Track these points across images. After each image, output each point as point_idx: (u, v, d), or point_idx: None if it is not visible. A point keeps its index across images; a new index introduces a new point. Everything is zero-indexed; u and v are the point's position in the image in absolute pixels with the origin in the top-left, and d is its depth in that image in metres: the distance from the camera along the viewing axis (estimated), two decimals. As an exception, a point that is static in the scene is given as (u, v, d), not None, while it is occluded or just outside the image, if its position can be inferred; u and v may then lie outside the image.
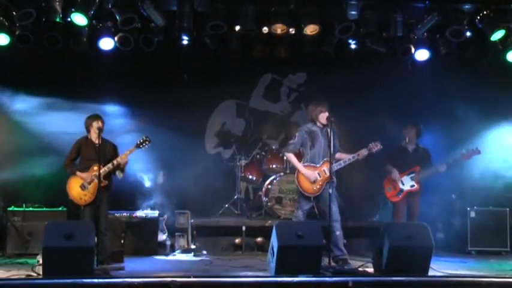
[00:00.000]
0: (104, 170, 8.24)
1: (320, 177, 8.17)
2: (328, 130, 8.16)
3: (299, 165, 8.25)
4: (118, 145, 8.65)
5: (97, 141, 8.33)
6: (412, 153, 9.57)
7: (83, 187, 8.36)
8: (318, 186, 8.16)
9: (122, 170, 8.51)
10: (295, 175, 8.32)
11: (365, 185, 10.52)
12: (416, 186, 9.34)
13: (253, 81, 11.46)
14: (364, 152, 8.27)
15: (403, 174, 9.38)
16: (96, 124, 8.37)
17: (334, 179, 8.13)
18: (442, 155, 9.78)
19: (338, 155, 8.35)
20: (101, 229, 8.22)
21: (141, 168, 10.00)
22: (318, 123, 8.31)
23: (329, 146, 8.13)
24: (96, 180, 8.19)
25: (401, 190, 9.33)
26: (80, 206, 8.43)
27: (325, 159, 8.22)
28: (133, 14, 8.98)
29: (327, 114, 8.20)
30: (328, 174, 8.12)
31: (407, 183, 9.35)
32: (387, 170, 9.51)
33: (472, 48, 9.91)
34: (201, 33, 9.66)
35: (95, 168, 8.22)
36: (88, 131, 8.51)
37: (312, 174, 8.14)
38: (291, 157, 8.38)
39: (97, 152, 8.26)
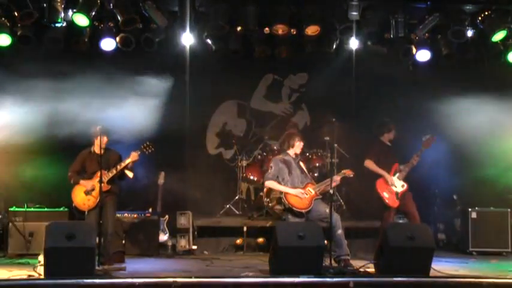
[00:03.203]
0: (107, 175, 8.34)
1: (307, 195, 8.39)
2: (300, 162, 8.70)
3: (283, 187, 8.43)
4: (117, 144, 8.71)
5: (100, 152, 8.36)
6: (392, 149, 9.26)
7: (86, 192, 8.46)
8: (308, 202, 8.36)
9: (131, 169, 8.59)
10: (283, 197, 8.40)
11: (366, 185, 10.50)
12: (406, 186, 9.02)
13: (255, 82, 11.46)
14: (337, 178, 8.48)
15: (391, 176, 9.05)
16: (98, 140, 8.35)
17: (330, 191, 8.23)
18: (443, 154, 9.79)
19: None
20: (105, 232, 8.25)
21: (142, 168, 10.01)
22: (292, 153, 8.62)
23: (303, 173, 8.58)
24: (97, 186, 8.22)
25: (397, 193, 9.00)
26: (83, 212, 8.45)
27: (306, 182, 8.50)
28: (134, 15, 8.99)
29: (302, 144, 8.65)
30: (313, 192, 8.38)
31: (398, 185, 9.00)
32: (370, 168, 9.07)
33: (473, 49, 9.90)
34: (202, 34, 9.67)
35: (99, 175, 8.25)
36: (92, 142, 8.59)
37: (298, 191, 8.37)
38: (273, 183, 8.53)
39: (100, 162, 8.28)
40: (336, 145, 9.81)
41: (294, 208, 8.30)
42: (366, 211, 10.20)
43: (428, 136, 9.08)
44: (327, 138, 8.96)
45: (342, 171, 8.67)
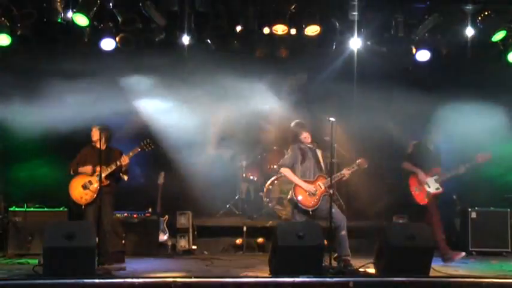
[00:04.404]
0: (106, 169, 8.33)
1: (317, 192, 8.17)
2: (317, 150, 8.35)
3: (296, 179, 8.19)
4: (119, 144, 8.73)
5: (100, 147, 8.38)
6: (434, 152, 9.33)
7: (84, 187, 8.43)
8: (316, 200, 8.15)
9: (125, 172, 8.62)
10: (292, 190, 8.20)
11: (366, 185, 10.51)
12: (441, 189, 9.07)
13: (254, 82, 11.43)
14: (347, 172, 8.34)
15: (427, 176, 9.08)
16: (95, 136, 8.52)
17: (331, 191, 8.12)
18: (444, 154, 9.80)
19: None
20: (103, 230, 8.25)
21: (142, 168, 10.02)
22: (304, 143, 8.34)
23: (318, 164, 8.28)
24: (97, 179, 8.23)
25: (429, 193, 9.01)
26: (80, 206, 8.47)
27: (318, 174, 8.24)
28: (134, 14, 8.99)
29: (309, 135, 8.29)
30: (323, 188, 8.14)
31: (433, 186, 9.03)
32: (406, 169, 9.19)
33: (473, 49, 9.89)
34: (202, 34, 9.67)
35: (98, 169, 8.27)
36: (92, 140, 8.65)
37: (310, 187, 8.14)
38: (288, 171, 8.24)
39: (100, 157, 8.31)
40: (335, 145, 9.81)
41: (300, 205, 8.14)
42: (366, 211, 10.20)
43: (485, 153, 9.14)
44: (327, 138, 8.95)
45: (357, 162, 8.37)
